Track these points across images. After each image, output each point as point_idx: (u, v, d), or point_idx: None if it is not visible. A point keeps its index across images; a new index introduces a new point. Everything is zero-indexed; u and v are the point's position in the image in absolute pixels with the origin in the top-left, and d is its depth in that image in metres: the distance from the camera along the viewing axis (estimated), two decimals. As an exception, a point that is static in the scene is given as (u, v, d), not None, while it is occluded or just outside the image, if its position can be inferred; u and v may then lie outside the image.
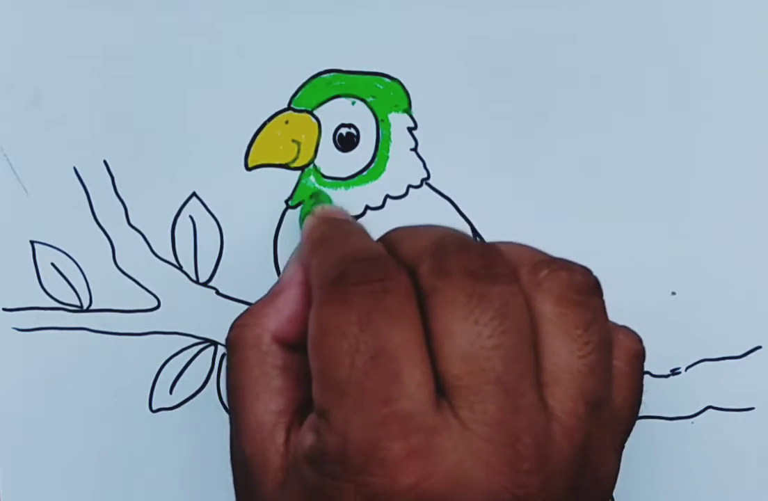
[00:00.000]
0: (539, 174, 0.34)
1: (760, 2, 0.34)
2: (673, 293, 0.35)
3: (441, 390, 0.24)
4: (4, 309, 0.34)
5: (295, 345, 0.27)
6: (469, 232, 0.34)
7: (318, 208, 0.32)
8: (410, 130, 0.34)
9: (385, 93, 0.34)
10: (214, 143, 0.34)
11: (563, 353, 0.25)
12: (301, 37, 0.33)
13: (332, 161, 0.34)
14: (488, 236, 0.34)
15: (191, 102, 0.33)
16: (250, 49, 0.33)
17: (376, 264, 0.24)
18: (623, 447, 0.27)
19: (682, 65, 0.34)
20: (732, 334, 0.35)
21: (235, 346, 0.27)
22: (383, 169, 0.34)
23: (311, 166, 0.34)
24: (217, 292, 0.34)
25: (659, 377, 0.35)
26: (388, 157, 0.34)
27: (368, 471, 0.23)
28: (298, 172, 0.34)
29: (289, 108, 0.34)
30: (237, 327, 0.28)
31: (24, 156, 0.34)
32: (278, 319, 0.27)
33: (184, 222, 0.34)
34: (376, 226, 0.29)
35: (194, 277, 0.34)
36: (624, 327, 0.28)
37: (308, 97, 0.34)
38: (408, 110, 0.34)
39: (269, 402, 0.27)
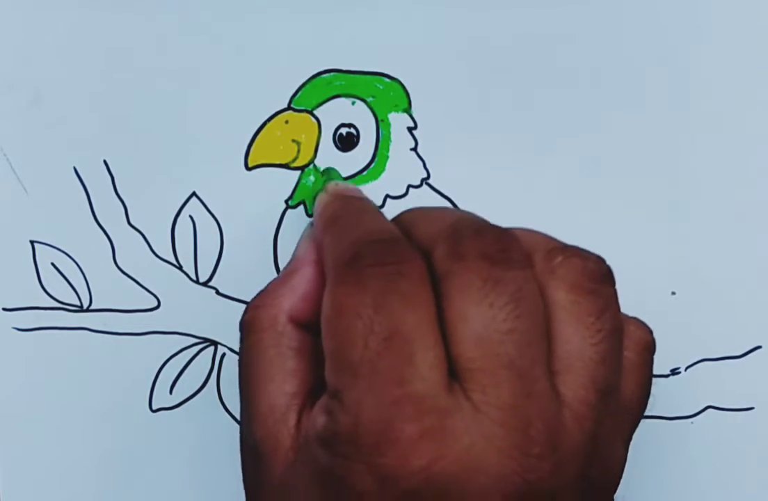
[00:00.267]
0: (539, 174, 0.34)
1: (760, 2, 0.34)
2: (673, 293, 0.35)
3: (453, 373, 0.24)
4: (4, 309, 0.34)
5: (308, 325, 0.27)
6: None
7: (331, 185, 0.31)
8: (410, 129, 0.34)
9: (385, 93, 0.34)
10: (214, 143, 0.34)
11: (575, 340, 0.25)
12: (301, 37, 0.33)
13: (332, 161, 0.34)
14: (488, 236, 0.34)
15: (191, 102, 0.33)
16: (250, 49, 0.33)
17: (391, 246, 0.25)
18: (631, 438, 0.27)
19: (682, 65, 0.34)
20: (732, 333, 0.35)
21: (251, 327, 0.27)
22: (383, 169, 0.34)
23: (311, 166, 0.34)
24: (217, 292, 0.34)
25: (659, 377, 0.35)
26: (388, 156, 0.34)
27: (380, 452, 0.23)
28: (298, 172, 0.34)
29: (289, 108, 0.34)
30: (252, 308, 0.28)
31: (24, 156, 0.34)
32: (293, 299, 0.27)
33: (184, 222, 0.34)
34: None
35: (194, 277, 0.34)
36: (635, 318, 0.28)
37: (308, 97, 0.34)
38: (408, 110, 0.34)
39: (283, 384, 0.26)
